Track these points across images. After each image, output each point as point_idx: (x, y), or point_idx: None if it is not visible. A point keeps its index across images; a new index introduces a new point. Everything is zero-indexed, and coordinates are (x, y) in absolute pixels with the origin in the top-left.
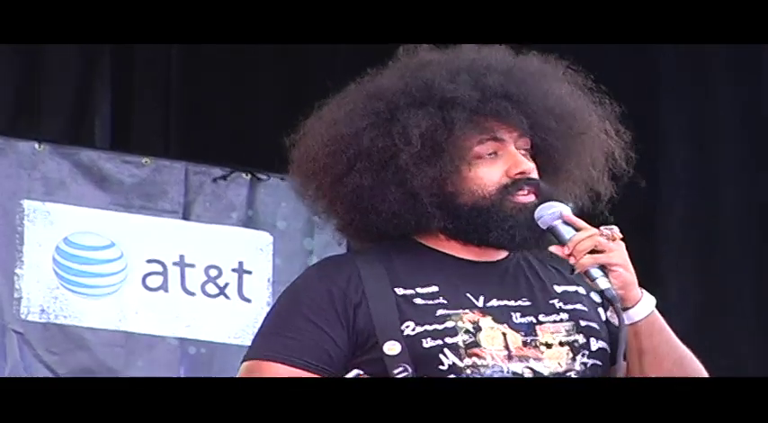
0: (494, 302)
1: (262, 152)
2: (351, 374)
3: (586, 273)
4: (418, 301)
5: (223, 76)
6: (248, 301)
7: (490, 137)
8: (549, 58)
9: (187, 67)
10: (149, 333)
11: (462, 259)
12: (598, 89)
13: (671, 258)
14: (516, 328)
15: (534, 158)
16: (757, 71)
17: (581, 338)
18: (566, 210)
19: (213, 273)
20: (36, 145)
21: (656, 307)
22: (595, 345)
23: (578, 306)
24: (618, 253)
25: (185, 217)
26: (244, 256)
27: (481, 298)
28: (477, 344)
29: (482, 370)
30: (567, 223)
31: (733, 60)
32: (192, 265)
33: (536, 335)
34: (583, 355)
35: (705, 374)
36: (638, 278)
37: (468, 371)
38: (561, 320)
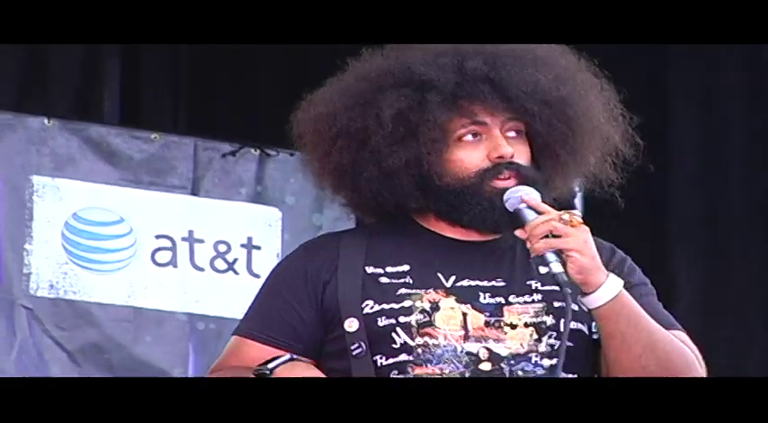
0: (464, 282)
1: (271, 127)
2: (285, 357)
3: (541, 257)
4: (383, 279)
5: (232, 52)
6: (257, 276)
7: (471, 120)
8: (552, 45)
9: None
10: (158, 308)
11: (449, 238)
12: (603, 74)
13: (682, 258)
14: (480, 308)
15: (531, 143)
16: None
17: (549, 320)
18: (529, 193)
19: (222, 248)
20: (45, 120)
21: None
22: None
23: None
24: (574, 238)
25: (194, 192)
26: (253, 231)
27: (452, 278)
28: (430, 323)
29: (433, 349)
30: (530, 207)
31: (739, 60)
32: (201, 241)
33: (502, 315)
34: (550, 337)
35: (689, 361)
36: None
37: (420, 350)
38: (533, 301)
